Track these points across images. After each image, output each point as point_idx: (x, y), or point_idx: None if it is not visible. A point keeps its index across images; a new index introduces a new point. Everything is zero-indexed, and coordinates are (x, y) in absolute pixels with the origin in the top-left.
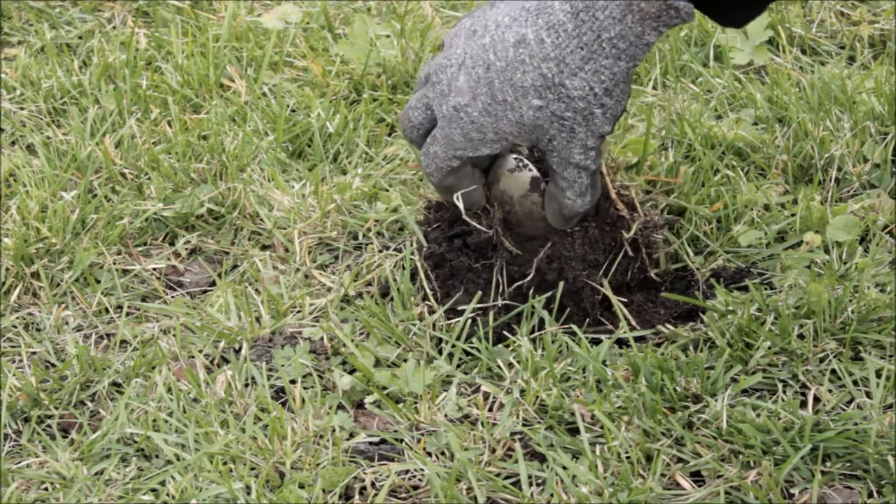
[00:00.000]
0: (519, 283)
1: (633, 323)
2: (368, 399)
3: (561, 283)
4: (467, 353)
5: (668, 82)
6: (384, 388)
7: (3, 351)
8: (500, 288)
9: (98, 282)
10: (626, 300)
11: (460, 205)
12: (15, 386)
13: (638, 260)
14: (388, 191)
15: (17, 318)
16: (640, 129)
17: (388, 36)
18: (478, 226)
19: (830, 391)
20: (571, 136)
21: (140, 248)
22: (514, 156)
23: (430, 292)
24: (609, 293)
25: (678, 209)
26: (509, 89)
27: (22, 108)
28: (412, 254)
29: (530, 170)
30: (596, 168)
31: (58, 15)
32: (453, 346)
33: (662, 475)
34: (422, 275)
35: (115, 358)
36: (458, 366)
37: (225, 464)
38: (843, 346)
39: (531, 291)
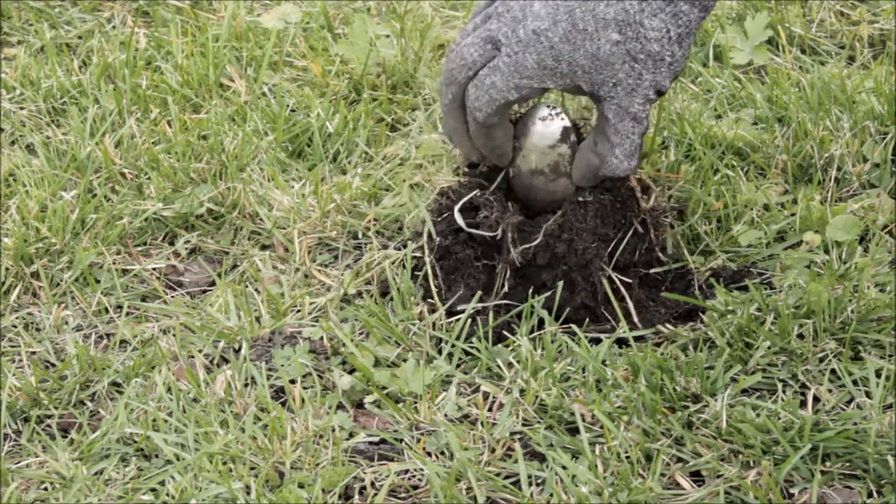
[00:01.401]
0: (527, 246)
1: (635, 316)
2: (368, 399)
3: (560, 283)
4: (467, 353)
5: None
6: (384, 387)
7: (3, 351)
8: (505, 276)
9: (98, 282)
10: (630, 281)
11: (460, 220)
12: (15, 386)
13: (646, 240)
14: (387, 191)
15: (17, 317)
16: None
17: (387, 36)
18: (483, 233)
19: (830, 391)
20: (638, 82)
21: (140, 248)
22: (547, 104)
23: (434, 289)
24: (612, 275)
25: (682, 200)
26: (591, 19)
27: (22, 108)
28: (414, 251)
29: (562, 118)
30: (647, 128)
31: (57, 15)
32: (453, 345)
33: (662, 475)
34: (428, 269)
35: (114, 358)
36: (458, 365)
37: (225, 464)
38: (842, 346)
39: (531, 291)
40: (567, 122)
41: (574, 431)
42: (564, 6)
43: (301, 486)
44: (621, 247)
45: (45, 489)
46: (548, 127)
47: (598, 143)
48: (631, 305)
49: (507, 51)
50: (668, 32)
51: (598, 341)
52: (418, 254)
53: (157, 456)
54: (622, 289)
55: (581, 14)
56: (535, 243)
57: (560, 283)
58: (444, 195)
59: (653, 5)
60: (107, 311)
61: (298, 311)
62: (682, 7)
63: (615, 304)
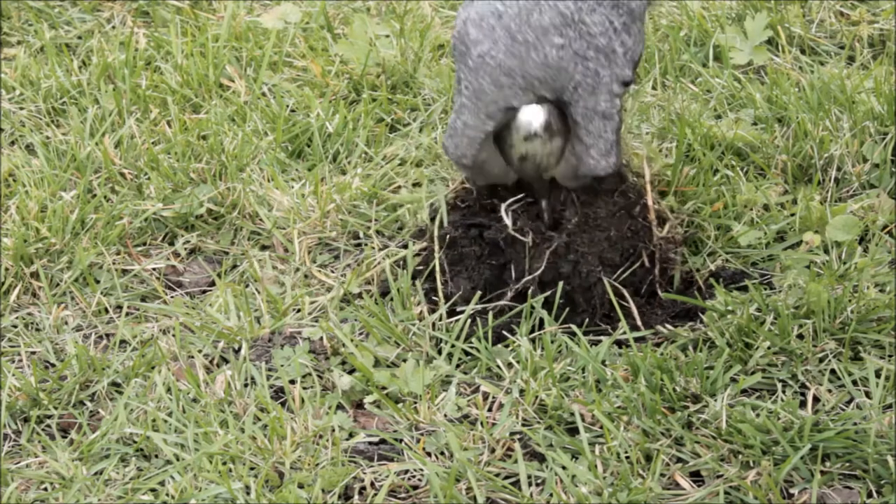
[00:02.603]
0: (529, 277)
1: (639, 323)
2: (368, 399)
3: (560, 283)
4: (467, 353)
5: (667, 82)
6: (384, 388)
7: (3, 351)
8: (511, 276)
9: (97, 282)
10: (631, 308)
11: (507, 220)
12: (14, 386)
13: (651, 274)
14: (390, 191)
15: (17, 317)
16: (644, 128)
17: (387, 36)
18: (522, 237)
19: (830, 391)
20: (597, 80)
21: (139, 248)
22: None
23: (441, 285)
24: (612, 290)
25: (690, 216)
26: (528, 29)
27: (21, 108)
28: (422, 241)
29: (541, 104)
30: (620, 122)
31: (57, 15)
32: (453, 345)
33: (662, 475)
34: (437, 262)
35: (114, 358)
36: (458, 366)
37: (224, 464)
38: (842, 346)
39: (531, 290)
40: (549, 105)
41: (574, 431)
42: (500, 24)
43: (301, 486)
44: (625, 275)
45: (45, 489)
46: (530, 111)
47: (575, 146)
48: (635, 313)
49: (464, 85)
50: (612, 24)
51: (597, 342)
52: (423, 245)
53: (156, 456)
54: (631, 305)
55: (517, 27)
56: (538, 272)
57: (560, 283)
58: (466, 187)
59: (589, 2)
60: (106, 311)
61: (298, 311)
62: None
63: (617, 308)
